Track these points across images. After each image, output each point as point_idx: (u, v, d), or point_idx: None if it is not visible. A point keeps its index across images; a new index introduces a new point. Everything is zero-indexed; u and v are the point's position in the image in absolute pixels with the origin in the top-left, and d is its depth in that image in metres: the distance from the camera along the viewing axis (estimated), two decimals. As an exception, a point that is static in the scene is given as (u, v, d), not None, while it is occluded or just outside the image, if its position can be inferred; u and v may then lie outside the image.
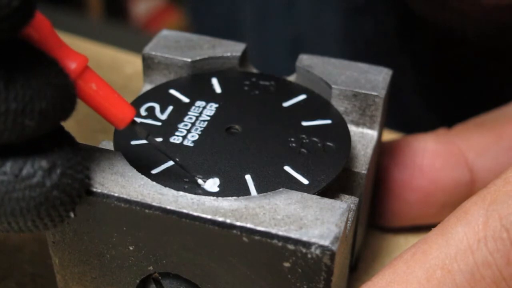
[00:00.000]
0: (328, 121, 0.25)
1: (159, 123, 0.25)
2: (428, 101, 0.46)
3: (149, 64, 0.28)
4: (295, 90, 0.27)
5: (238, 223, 0.20)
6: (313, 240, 0.19)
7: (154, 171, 0.22)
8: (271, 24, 0.51)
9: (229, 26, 0.55)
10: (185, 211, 0.20)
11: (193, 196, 0.21)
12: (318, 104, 0.26)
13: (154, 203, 0.20)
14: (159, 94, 0.26)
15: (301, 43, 0.49)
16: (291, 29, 0.50)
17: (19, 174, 0.18)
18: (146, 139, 0.22)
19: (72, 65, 0.19)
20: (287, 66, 0.30)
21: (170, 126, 0.25)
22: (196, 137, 0.24)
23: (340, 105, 0.26)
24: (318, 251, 0.19)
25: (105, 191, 0.21)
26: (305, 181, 0.22)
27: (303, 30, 0.49)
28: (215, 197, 0.21)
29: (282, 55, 0.51)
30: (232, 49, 0.28)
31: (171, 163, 0.23)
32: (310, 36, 0.49)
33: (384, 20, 0.44)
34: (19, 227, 0.19)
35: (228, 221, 0.20)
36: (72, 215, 0.20)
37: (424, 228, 0.30)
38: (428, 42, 0.43)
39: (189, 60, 0.27)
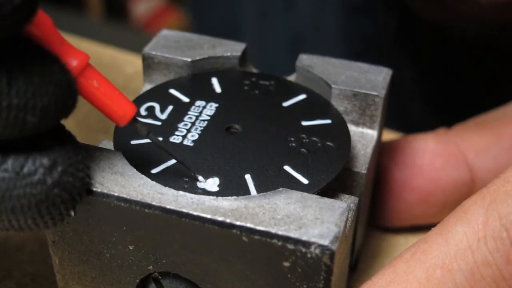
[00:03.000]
0: (328, 121, 0.25)
1: (159, 123, 0.25)
2: (428, 101, 0.46)
3: (149, 64, 0.28)
4: (295, 90, 0.27)
5: (237, 223, 0.20)
6: (312, 239, 0.19)
7: (154, 171, 0.22)
8: (271, 24, 0.51)
9: (229, 26, 0.55)
10: (185, 210, 0.20)
11: (193, 195, 0.21)
12: (318, 104, 0.26)
13: (154, 203, 0.20)
14: (159, 94, 0.26)
15: (301, 43, 0.49)
16: (291, 29, 0.50)
17: (20, 172, 0.19)
18: (147, 136, 0.22)
19: (73, 63, 0.20)
20: (287, 66, 0.30)
21: (170, 125, 0.25)
22: (196, 136, 0.24)
23: (340, 105, 0.26)
24: (317, 251, 0.19)
25: (105, 191, 0.21)
26: (305, 181, 0.22)
27: (303, 30, 0.49)
28: (215, 197, 0.21)
29: (282, 55, 0.51)
30: (232, 49, 0.28)
31: (171, 162, 0.23)
32: (310, 36, 0.49)
33: (384, 20, 0.44)
34: (20, 224, 0.19)
35: (227, 220, 0.20)
36: (72, 213, 0.20)
37: (424, 228, 0.30)
38: (428, 42, 0.43)
39: (189, 60, 0.27)
